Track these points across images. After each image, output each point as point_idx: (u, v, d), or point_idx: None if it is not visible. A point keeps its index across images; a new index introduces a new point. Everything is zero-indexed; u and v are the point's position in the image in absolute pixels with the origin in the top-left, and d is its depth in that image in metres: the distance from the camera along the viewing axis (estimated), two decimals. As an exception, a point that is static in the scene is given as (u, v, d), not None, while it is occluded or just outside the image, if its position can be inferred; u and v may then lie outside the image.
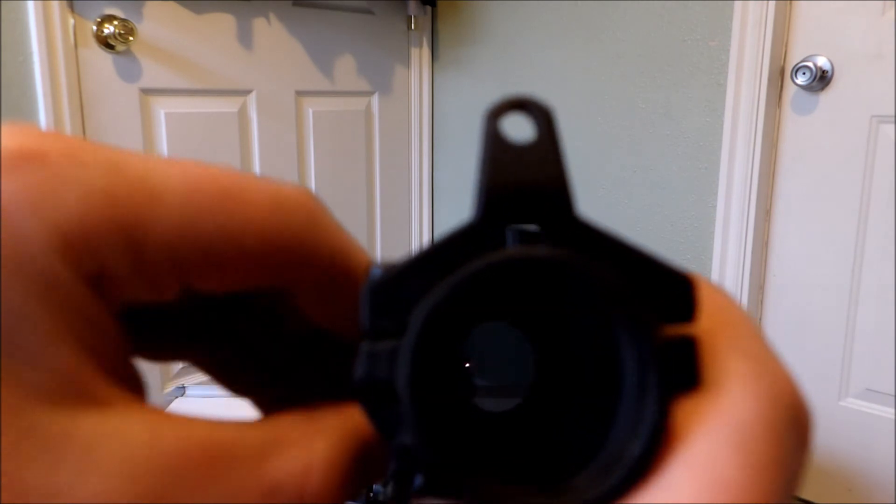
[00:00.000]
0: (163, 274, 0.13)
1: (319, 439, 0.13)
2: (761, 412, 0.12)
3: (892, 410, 1.41)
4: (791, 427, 0.12)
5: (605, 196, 1.74)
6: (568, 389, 0.15)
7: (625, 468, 0.12)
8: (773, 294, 1.55)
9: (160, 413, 0.12)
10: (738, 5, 1.45)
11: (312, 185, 1.85)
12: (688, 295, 0.13)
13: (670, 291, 0.13)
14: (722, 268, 1.56)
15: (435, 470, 0.12)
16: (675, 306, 0.13)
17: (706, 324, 0.13)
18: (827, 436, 1.51)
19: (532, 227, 0.13)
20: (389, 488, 0.13)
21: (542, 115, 0.13)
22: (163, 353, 0.17)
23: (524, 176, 0.13)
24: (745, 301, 1.54)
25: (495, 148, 0.13)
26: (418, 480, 0.12)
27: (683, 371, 0.13)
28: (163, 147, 1.56)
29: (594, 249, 0.13)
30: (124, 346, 0.13)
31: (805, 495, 1.55)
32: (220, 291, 0.14)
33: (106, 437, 0.11)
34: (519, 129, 0.14)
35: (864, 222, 1.40)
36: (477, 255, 0.12)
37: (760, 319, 1.58)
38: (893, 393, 1.41)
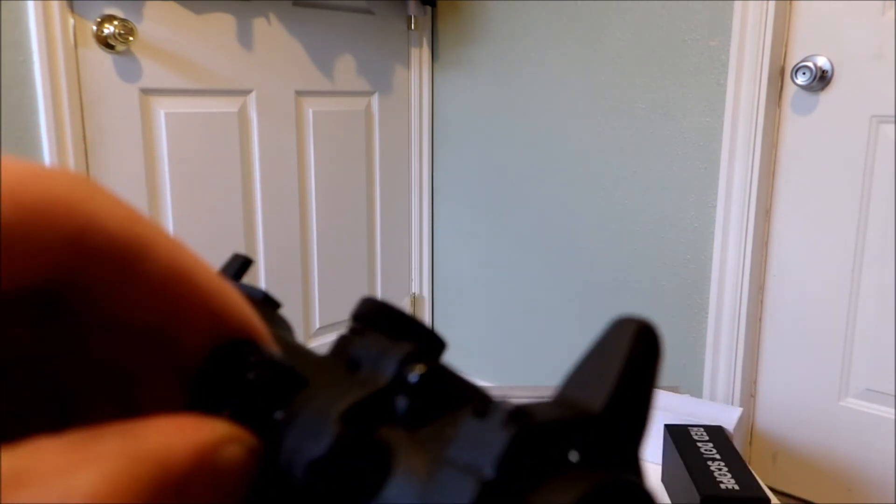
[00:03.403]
0: None
1: (88, 468, 0.10)
2: None
3: (892, 410, 1.41)
4: None
5: (605, 196, 1.74)
6: None
7: None
8: (773, 294, 1.55)
9: None
10: (738, 5, 1.46)
11: (312, 185, 1.85)
12: None
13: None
14: (722, 268, 1.56)
15: None
16: None
17: None
18: (827, 436, 1.51)
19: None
20: None
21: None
22: None
23: None
24: (744, 301, 1.54)
25: None
26: None
27: None
28: (163, 147, 1.56)
29: None
30: None
31: (805, 495, 1.55)
32: (6, 283, 0.12)
33: None
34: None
35: (864, 222, 1.40)
36: None
37: (760, 319, 1.58)
38: (893, 393, 1.41)
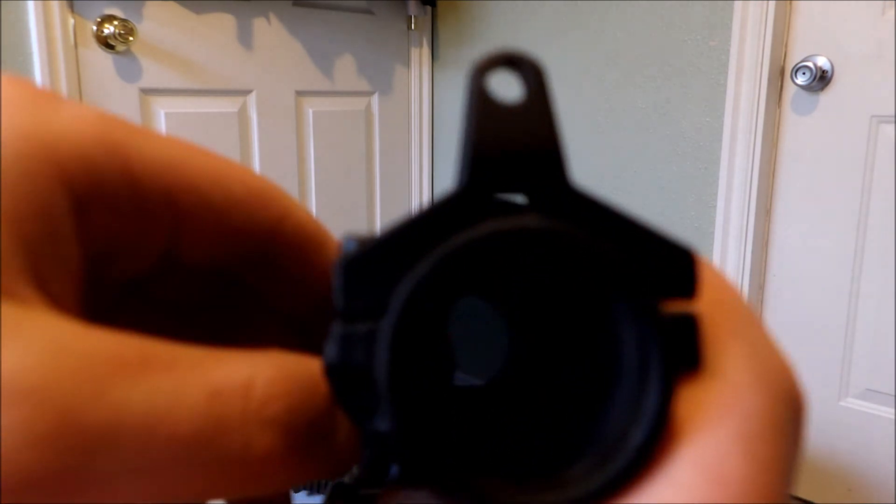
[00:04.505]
0: (155, 209, 0.13)
1: (263, 360, 0.12)
2: (766, 405, 0.11)
3: (892, 410, 1.41)
4: (791, 421, 0.12)
5: (605, 196, 1.74)
6: (552, 369, 0.14)
7: (626, 457, 0.11)
8: (773, 294, 1.55)
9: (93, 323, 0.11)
10: (738, 5, 1.45)
11: (312, 185, 1.85)
12: (689, 270, 0.12)
13: (670, 265, 0.12)
14: (722, 268, 1.56)
15: (415, 461, 0.11)
16: (676, 281, 0.12)
17: (704, 303, 0.13)
18: (827, 436, 1.51)
19: (523, 194, 0.12)
20: (360, 475, 0.12)
21: (533, 73, 0.12)
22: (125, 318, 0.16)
23: (513, 139, 0.12)
24: (745, 301, 1.54)
25: (482, 108, 0.12)
26: (394, 469, 0.12)
27: (685, 351, 0.12)
28: (163, 147, 1.56)
29: (589, 219, 0.12)
30: (76, 275, 0.12)
31: (805, 495, 1.55)
32: (201, 259, 0.14)
33: (28, 320, 0.10)
34: (508, 87, 0.12)
35: (864, 222, 1.40)
36: (462, 227, 0.11)
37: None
38: (893, 393, 1.41)
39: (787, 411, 0.12)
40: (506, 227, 0.11)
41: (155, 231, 0.13)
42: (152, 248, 0.14)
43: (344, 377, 0.11)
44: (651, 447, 0.11)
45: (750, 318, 0.13)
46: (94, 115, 0.12)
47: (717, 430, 0.11)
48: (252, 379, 0.11)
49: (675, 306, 0.12)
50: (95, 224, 0.12)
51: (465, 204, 0.11)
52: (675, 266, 0.12)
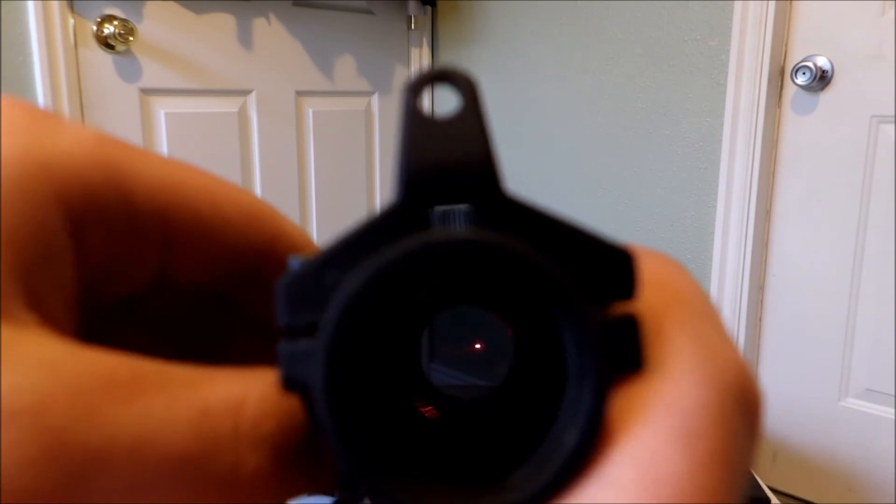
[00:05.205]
0: (150, 229, 0.13)
1: (255, 378, 0.12)
2: (708, 399, 0.11)
3: (892, 410, 1.41)
4: (739, 414, 0.11)
5: (605, 196, 1.74)
6: (519, 379, 0.14)
7: (559, 461, 0.11)
8: (773, 294, 1.55)
9: (86, 343, 0.11)
10: (738, 5, 1.45)
11: (312, 185, 1.85)
12: (627, 270, 0.12)
13: (609, 268, 0.12)
14: (722, 268, 1.56)
15: (364, 476, 0.11)
16: (615, 283, 0.12)
17: (652, 300, 0.12)
18: (827, 436, 1.51)
19: (458, 207, 0.12)
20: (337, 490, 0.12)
21: (465, 87, 0.12)
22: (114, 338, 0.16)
23: (447, 153, 0.12)
24: (744, 301, 1.54)
25: (415, 124, 0.12)
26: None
27: (624, 353, 0.12)
28: (163, 147, 1.56)
29: (524, 227, 0.12)
30: (71, 295, 0.12)
31: (805, 495, 1.55)
32: (194, 277, 0.14)
33: (22, 342, 0.10)
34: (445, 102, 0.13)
35: (864, 222, 1.40)
36: (398, 241, 0.11)
37: (760, 319, 1.58)
38: (893, 393, 1.41)
39: (734, 405, 0.11)
40: (434, 239, 0.11)
41: (149, 251, 0.13)
42: (146, 267, 0.14)
43: (301, 394, 0.11)
44: (585, 449, 0.11)
45: (699, 309, 0.13)
46: (92, 136, 0.13)
47: (654, 428, 0.11)
48: (244, 398, 0.11)
49: (617, 308, 0.12)
50: (91, 244, 0.12)
51: (401, 219, 0.12)
52: (614, 269, 0.12)
